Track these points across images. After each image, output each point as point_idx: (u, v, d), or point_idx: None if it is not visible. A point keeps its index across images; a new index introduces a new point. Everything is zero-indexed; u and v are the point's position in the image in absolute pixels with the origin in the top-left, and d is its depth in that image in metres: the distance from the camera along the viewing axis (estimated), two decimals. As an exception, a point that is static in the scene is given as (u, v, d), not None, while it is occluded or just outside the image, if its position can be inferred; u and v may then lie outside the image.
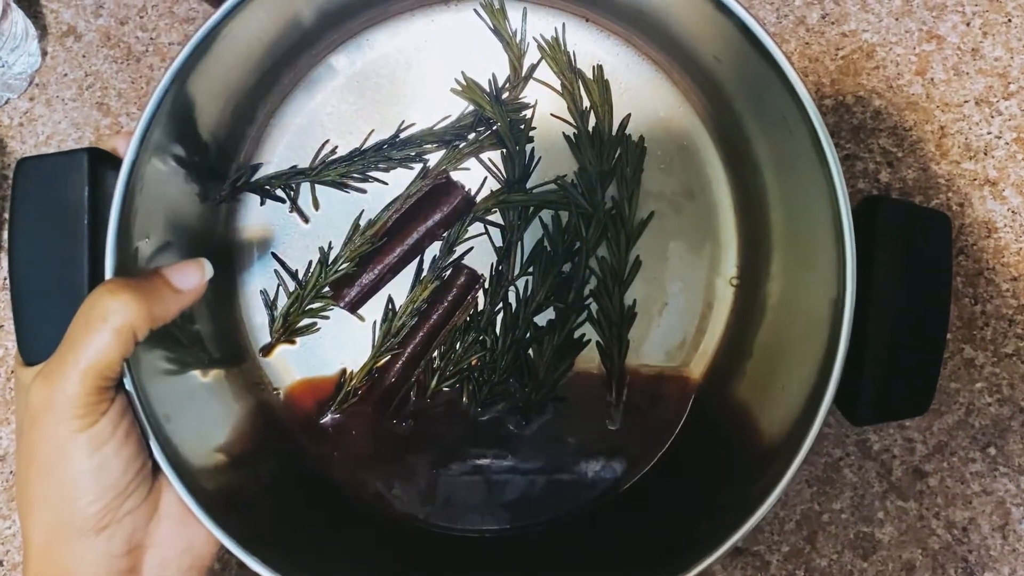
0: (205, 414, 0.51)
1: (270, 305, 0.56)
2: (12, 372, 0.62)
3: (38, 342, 0.43)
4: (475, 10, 0.56)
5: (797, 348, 0.49)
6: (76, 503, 0.40)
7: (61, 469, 0.40)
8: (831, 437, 0.59)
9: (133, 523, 0.42)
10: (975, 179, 0.61)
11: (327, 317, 0.56)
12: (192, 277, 0.45)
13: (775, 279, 0.54)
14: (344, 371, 0.56)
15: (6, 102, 0.65)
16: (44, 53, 0.65)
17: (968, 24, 0.63)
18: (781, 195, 0.52)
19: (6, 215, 0.64)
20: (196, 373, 0.51)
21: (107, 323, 0.40)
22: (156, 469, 0.44)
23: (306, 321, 0.56)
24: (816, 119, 0.43)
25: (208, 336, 0.52)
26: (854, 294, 0.43)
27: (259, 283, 0.56)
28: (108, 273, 0.43)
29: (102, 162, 0.45)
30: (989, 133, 0.62)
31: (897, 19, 0.63)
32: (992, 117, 0.62)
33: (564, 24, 0.56)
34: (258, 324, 0.56)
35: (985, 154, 0.62)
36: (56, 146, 0.65)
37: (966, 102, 0.62)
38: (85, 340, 0.39)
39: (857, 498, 0.58)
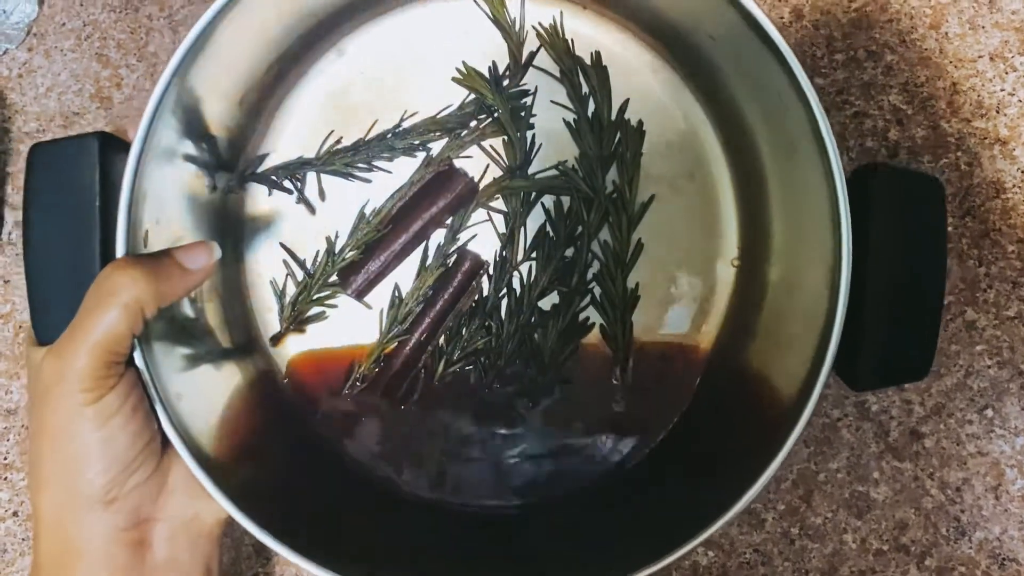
0: (216, 396, 0.52)
1: (279, 295, 0.57)
2: (20, 327, 0.63)
3: (52, 322, 0.45)
4: (474, 0, 0.56)
5: (799, 323, 0.49)
6: (84, 475, 0.42)
7: (69, 441, 0.41)
8: (830, 398, 0.60)
9: (140, 497, 0.44)
10: (985, 138, 0.60)
11: (335, 305, 0.57)
12: (200, 257, 0.46)
13: (775, 257, 0.54)
14: (352, 358, 0.57)
15: (4, 52, 0.64)
16: (41, 2, 0.64)
17: (987, -26, 0.60)
18: (779, 174, 0.52)
19: (9, 168, 0.64)
20: (208, 362, 0.52)
21: (116, 298, 0.41)
22: (165, 444, 0.45)
23: (315, 310, 0.57)
24: (811, 95, 0.43)
25: (218, 325, 0.53)
26: (850, 267, 0.43)
27: (268, 272, 0.57)
28: (119, 255, 0.44)
29: (112, 146, 0.46)
30: (1002, 90, 0.60)
31: (913, -30, 0.60)
32: (1006, 73, 0.60)
33: (562, 12, 0.55)
34: (268, 313, 0.57)
35: (997, 112, 0.60)
36: (56, 98, 0.64)
37: (980, 57, 0.61)
38: (95, 315, 0.41)
39: (854, 458, 0.60)
